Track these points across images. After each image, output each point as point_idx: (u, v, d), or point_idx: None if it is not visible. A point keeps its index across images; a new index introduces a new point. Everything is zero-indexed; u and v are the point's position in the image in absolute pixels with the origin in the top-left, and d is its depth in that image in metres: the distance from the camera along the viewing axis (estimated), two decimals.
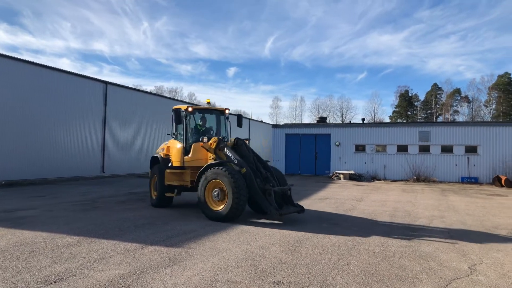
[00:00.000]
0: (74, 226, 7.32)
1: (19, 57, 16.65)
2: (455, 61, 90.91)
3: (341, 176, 21.91)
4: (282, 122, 68.89)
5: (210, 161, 8.98)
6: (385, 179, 22.30)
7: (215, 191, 8.11)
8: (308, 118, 76.56)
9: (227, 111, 10.51)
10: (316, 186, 17.51)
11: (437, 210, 10.53)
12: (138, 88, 48.56)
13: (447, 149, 21.61)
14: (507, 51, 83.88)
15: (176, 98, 59.23)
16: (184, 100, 52.55)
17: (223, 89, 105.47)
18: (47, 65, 17.94)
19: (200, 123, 10.20)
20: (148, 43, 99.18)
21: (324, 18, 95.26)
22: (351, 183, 19.94)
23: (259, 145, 37.15)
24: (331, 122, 45.52)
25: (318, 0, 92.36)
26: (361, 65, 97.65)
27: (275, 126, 27.78)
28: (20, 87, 16.31)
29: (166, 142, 10.60)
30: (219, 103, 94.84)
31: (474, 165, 20.91)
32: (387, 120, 73.13)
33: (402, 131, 22.78)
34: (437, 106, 72.86)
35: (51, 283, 4.19)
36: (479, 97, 68.58)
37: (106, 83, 21.40)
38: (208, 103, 12.04)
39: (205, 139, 9.08)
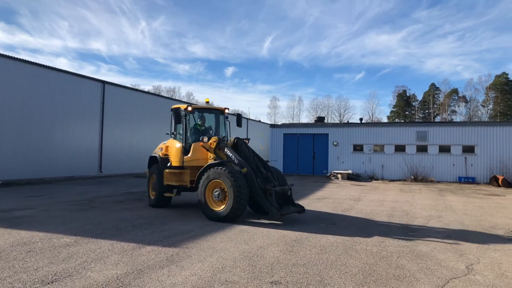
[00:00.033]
0: (71, 226, 7.30)
1: (16, 56, 16.62)
2: (452, 61, 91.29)
3: (339, 176, 21.94)
4: (280, 122, 68.92)
5: (210, 161, 8.93)
6: (383, 179, 22.35)
7: (215, 191, 8.07)
8: (306, 118, 76.72)
9: (226, 111, 10.49)
10: (314, 186, 17.52)
11: (434, 210, 10.55)
12: (136, 87, 48.42)
13: (444, 149, 21.69)
14: (505, 51, 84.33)
15: (174, 97, 59.12)
16: (182, 100, 52.58)
17: (221, 88, 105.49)
18: (45, 64, 17.90)
19: (199, 123, 10.16)
20: (145, 42, 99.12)
21: (322, 18, 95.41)
22: (349, 183, 19.97)
23: (256, 149, 37.09)
24: (329, 122, 45.59)
25: (316, 0, 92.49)
26: (359, 65, 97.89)
27: (273, 126, 27.78)
28: (17, 87, 16.26)
29: (164, 142, 10.52)
30: (217, 103, 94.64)
31: (472, 165, 20.98)
32: (385, 120, 73.31)
33: (400, 131, 22.84)
34: (435, 106, 73.04)
35: (48, 283, 4.17)
36: (477, 97, 68.86)
37: (103, 82, 21.35)
38: (207, 102, 11.99)
39: (205, 139, 9.03)
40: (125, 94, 23.27)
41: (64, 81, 18.67)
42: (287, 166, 25.07)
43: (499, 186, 18.86)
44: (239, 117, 10.73)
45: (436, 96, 73.39)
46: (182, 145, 9.52)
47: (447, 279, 4.66)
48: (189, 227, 7.38)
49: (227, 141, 9.64)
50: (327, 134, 24.42)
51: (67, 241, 6.05)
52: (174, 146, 9.84)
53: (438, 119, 71.69)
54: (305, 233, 7.06)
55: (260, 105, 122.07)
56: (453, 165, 21.35)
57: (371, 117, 72.34)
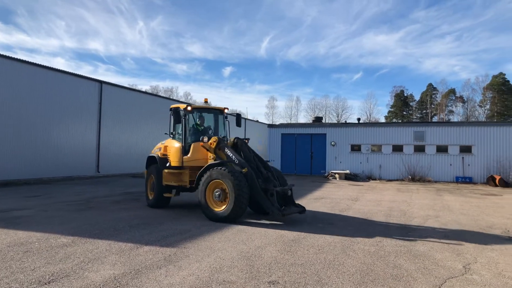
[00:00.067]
0: (69, 226, 7.28)
1: (14, 56, 16.56)
2: (450, 61, 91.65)
3: (337, 175, 21.97)
4: (278, 122, 68.94)
5: (210, 161, 8.89)
6: (380, 178, 22.40)
7: (216, 192, 8.04)
8: (304, 118, 76.80)
9: (226, 111, 10.46)
10: (312, 185, 17.54)
11: (432, 210, 10.59)
12: (134, 87, 48.36)
13: (442, 149, 21.75)
14: (502, 52, 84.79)
15: (171, 97, 59.08)
16: (180, 100, 52.46)
17: (219, 88, 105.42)
18: (42, 64, 17.85)
19: (198, 122, 10.11)
20: (143, 42, 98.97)
21: (320, 18, 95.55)
22: (346, 182, 20.00)
23: (254, 149, 37.00)
24: (326, 122, 45.65)
25: (313, 0, 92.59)
26: (357, 65, 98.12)
27: (271, 126, 27.79)
28: (14, 87, 16.19)
29: (163, 142, 10.43)
30: (215, 103, 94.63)
31: (469, 165, 21.06)
32: (383, 120, 73.52)
33: (398, 131, 22.90)
34: (432, 106, 73.28)
35: (45, 284, 4.15)
36: (474, 97, 69.22)
37: (101, 82, 21.30)
38: (206, 102, 11.93)
39: (205, 139, 8.97)
40: (122, 94, 23.22)
41: (61, 81, 18.61)
42: (285, 166, 25.06)
43: (496, 186, 18.93)
44: (238, 117, 10.68)
45: (433, 96, 73.66)
46: (182, 145, 9.45)
47: (445, 278, 4.68)
48: (186, 227, 7.38)
49: (226, 141, 9.59)
50: (325, 134, 24.45)
51: (64, 241, 6.03)
52: (173, 146, 9.75)
53: (435, 119, 71.95)
54: (303, 233, 7.06)
55: (258, 105, 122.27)
56: (451, 165, 21.42)
57: (369, 117, 72.59)
